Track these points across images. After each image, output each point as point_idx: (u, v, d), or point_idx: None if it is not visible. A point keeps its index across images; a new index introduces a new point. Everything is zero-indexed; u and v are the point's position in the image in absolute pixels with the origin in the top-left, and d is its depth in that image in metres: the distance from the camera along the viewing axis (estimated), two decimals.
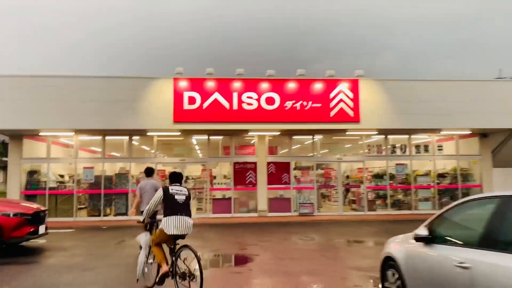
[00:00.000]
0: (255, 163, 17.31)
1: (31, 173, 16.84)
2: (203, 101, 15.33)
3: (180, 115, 15.23)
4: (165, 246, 5.84)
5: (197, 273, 5.13)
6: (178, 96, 15.27)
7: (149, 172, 9.00)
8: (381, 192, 17.76)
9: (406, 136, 17.85)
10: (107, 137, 16.91)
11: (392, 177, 17.72)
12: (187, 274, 5.23)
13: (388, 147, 17.92)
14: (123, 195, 17.02)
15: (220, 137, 17.51)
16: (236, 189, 17.27)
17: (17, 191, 16.19)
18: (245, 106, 15.48)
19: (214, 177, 18.02)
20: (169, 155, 18.63)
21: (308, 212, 17.08)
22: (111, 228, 14.07)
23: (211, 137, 17.28)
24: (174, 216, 5.45)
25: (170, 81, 15.41)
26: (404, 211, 17.55)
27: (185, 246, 5.48)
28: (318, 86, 15.82)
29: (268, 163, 17.36)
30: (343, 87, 15.90)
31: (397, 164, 17.78)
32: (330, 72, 16.46)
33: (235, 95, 15.45)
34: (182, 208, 5.53)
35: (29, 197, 16.12)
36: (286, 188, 17.34)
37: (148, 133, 16.19)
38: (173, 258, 5.54)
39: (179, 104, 15.25)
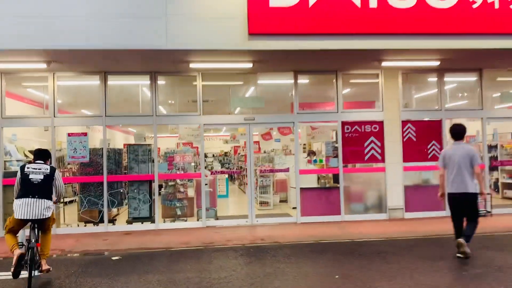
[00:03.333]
0: (380, 123, 9.55)
1: None
2: None
3: (261, 19, 7.35)
4: None
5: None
6: None
7: None
8: None
9: None
10: (110, 80, 9.07)
11: None
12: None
13: None
14: (144, 184, 9.30)
15: (321, 75, 9.65)
16: (346, 171, 9.53)
17: None
18: (393, 1, 7.59)
19: (305, 148, 10.32)
20: (221, 112, 10.64)
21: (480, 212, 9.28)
22: (129, 257, 6.43)
23: (303, 76, 9.46)
24: (24, 199, 5.21)
25: None
26: None
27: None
28: None
29: (404, 123, 9.59)
30: None
31: None
32: None
33: None
34: (37, 190, 5.27)
35: None
36: (434, 167, 9.61)
37: (192, 65, 8.30)
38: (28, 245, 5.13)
39: None
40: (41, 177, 5.32)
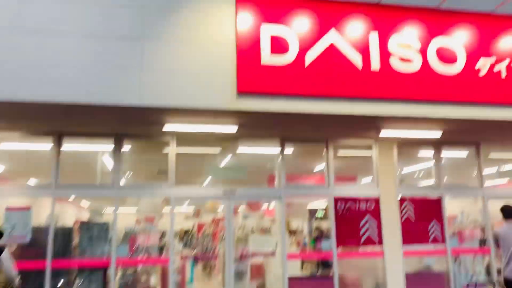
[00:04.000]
0: (375, 200, 8.49)
1: None
2: (304, 48, 6.62)
3: (252, 77, 6.38)
4: None
5: None
6: (247, 34, 6.49)
7: None
8: None
9: None
10: (66, 144, 7.65)
11: None
12: None
13: None
14: (97, 273, 7.50)
15: (310, 145, 8.64)
16: (341, 255, 8.21)
17: None
18: (395, 63, 6.90)
19: (292, 231, 9.01)
20: (193, 181, 9.30)
21: None
22: None
23: (291, 145, 8.42)
24: None
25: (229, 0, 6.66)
26: None
27: None
28: None
29: (401, 200, 8.58)
30: None
31: None
32: None
33: (373, 40, 6.87)
34: None
35: None
36: (437, 251, 8.52)
37: (167, 126, 7.06)
38: None
39: (251, 52, 6.44)
40: None
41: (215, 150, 8.73)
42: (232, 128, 7.23)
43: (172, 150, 7.92)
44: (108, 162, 8.25)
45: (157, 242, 7.89)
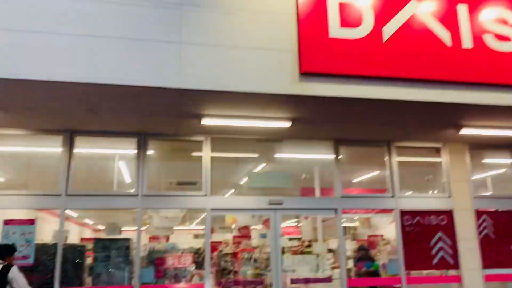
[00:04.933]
0: (448, 214, 7.05)
1: None
2: (380, 19, 5.30)
3: (319, 54, 5.05)
4: None
5: None
6: (310, 4, 5.18)
7: None
8: None
9: None
10: (79, 144, 6.28)
11: None
12: None
13: None
14: None
15: (368, 148, 7.26)
16: (411, 281, 6.70)
17: None
18: (490, 41, 5.56)
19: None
20: (227, 190, 7.84)
21: None
22: None
23: (345, 149, 7.04)
24: None
25: None
26: None
27: None
28: None
29: (478, 214, 7.13)
30: None
31: None
32: None
33: (462, 14, 5.55)
34: None
35: None
36: None
37: (205, 118, 5.68)
38: None
39: (316, 24, 5.12)
40: None
41: (254, 153, 7.37)
42: (284, 124, 5.87)
43: (206, 153, 6.55)
44: (127, 167, 6.89)
45: (191, 265, 6.44)
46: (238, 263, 12.51)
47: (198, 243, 18.63)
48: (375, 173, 7.52)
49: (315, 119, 5.86)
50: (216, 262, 13.51)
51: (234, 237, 14.98)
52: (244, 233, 15.99)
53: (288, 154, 7.20)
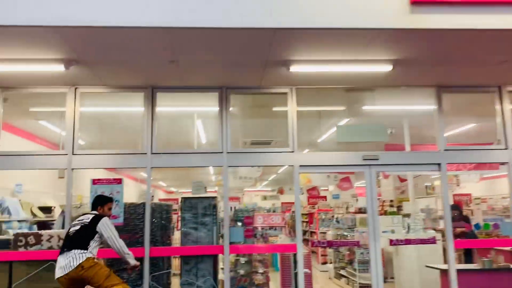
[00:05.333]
0: None
1: None
2: None
3: None
4: None
5: None
6: None
7: None
8: None
9: None
10: (160, 101, 6.01)
11: None
12: None
13: None
14: (206, 261, 5.83)
15: (474, 95, 6.40)
16: None
17: None
18: None
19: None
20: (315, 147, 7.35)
21: None
22: None
23: (449, 96, 6.21)
24: (58, 256, 4.31)
25: None
26: None
27: None
28: None
29: None
30: None
31: None
32: None
33: None
34: (67, 243, 4.35)
35: None
36: None
37: (294, 65, 5.13)
38: None
39: None
40: (77, 228, 4.44)
41: (342, 106, 6.76)
42: (385, 67, 5.18)
43: (292, 106, 6.03)
44: (209, 124, 6.59)
45: (282, 224, 6.10)
46: (316, 224, 12.16)
47: (276, 204, 18.42)
48: (480, 123, 6.63)
49: (420, 60, 5.10)
50: (289, 223, 13.16)
51: (309, 197, 14.62)
52: (312, 194, 15.51)
53: (381, 106, 6.50)
